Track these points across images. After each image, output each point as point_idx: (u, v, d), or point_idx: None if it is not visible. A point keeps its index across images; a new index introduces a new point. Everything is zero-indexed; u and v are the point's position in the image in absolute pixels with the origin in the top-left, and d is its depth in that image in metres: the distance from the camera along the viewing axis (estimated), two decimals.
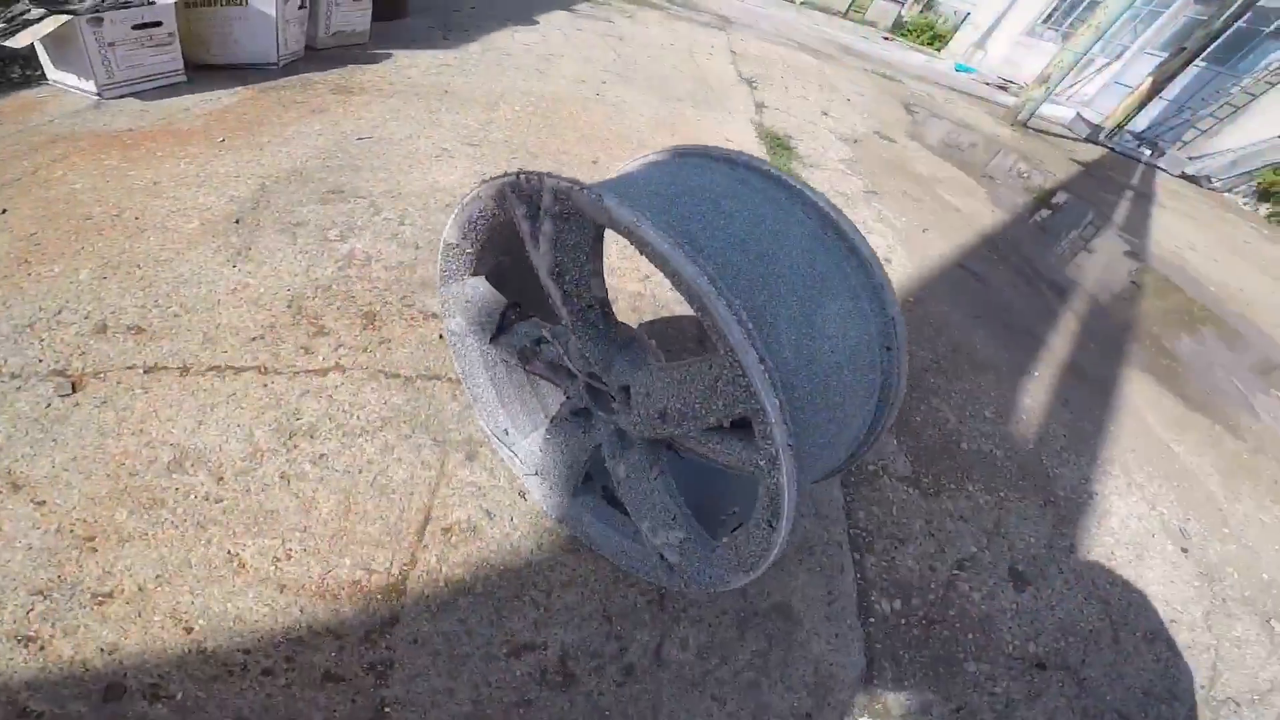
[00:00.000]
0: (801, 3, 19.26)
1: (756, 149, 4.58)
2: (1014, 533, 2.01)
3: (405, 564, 1.49)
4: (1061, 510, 2.14)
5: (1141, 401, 2.94)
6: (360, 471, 1.62)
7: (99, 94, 2.93)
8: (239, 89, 3.30)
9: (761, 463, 1.02)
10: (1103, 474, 2.39)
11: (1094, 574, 1.95)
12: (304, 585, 1.41)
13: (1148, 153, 9.91)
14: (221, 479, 1.55)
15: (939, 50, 18.20)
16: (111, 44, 2.91)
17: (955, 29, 18.19)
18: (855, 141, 5.56)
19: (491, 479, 1.69)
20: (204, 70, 3.37)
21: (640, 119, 4.50)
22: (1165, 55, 10.24)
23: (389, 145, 3.11)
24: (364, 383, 1.81)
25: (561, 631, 1.47)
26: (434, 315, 2.11)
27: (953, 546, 1.94)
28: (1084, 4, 14.38)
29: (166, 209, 2.29)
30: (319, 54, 4.01)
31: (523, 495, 1.68)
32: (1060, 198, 6.05)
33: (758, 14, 13.10)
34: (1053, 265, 4.22)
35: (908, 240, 3.77)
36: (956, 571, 1.85)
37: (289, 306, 1.99)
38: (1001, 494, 2.14)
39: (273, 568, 1.42)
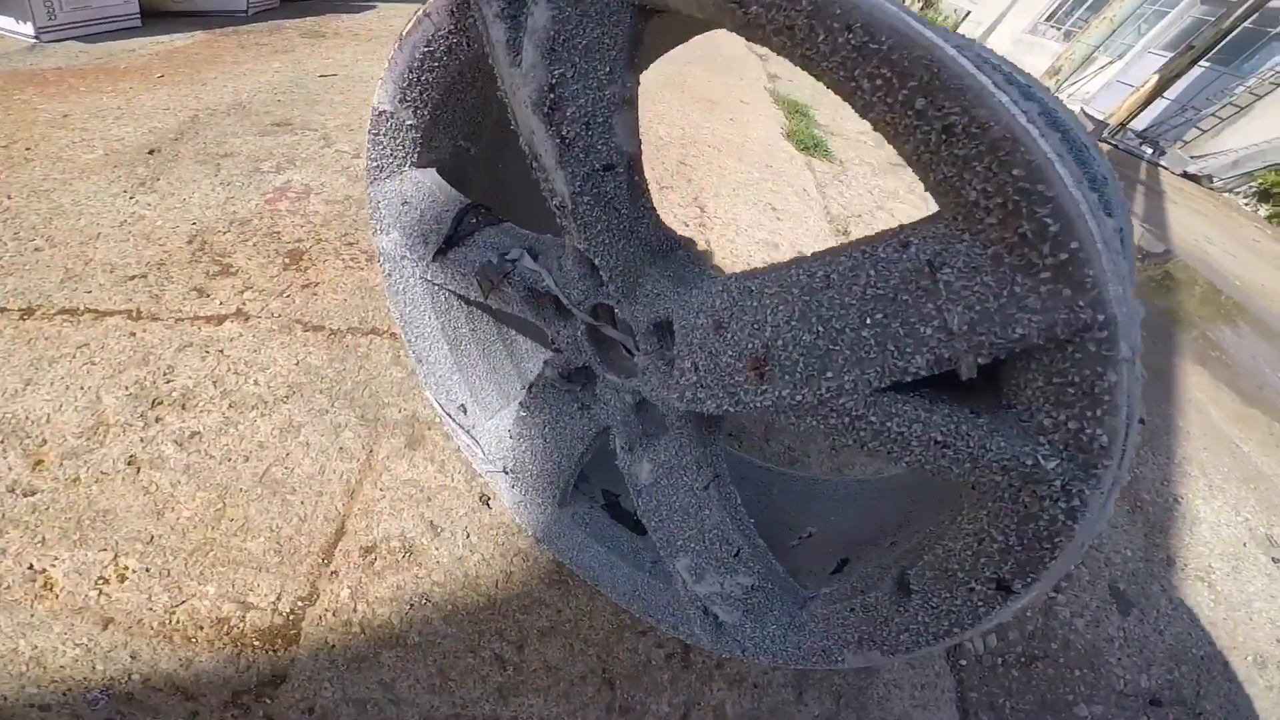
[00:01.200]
0: None
1: (774, 113, 4.24)
2: (1108, 544, 1.73)
3: (301, 598, 0.98)
4: (1150, 517, 1.90)
5: (1201, 395, 2.78)
6: (246, 460, 1.12)
7: (37, 37, 2.54)
8: (198, 33, 2.88)
9: (1022, 451, 0.56)
10: (1182, 474, 2.18)
11: (1196, 592, 1.70)
12: (141, 620, 0.92)
13: (1149, 151, 9.87)
14: (40, 462, 1.06)
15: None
16: None
17: (956, 26, 18.64)
18: None
19: (442, 476, 1.18)
20: (165, 17, 2.95)
21: (649, 77, 4.06)
22: (1169, 55, 10.33)
23: (356, 83, 2.66)
24: (271, 335, 1.30)
25: (539, 703, 0.97)
26: None
27: None
28: (1088, 2, 14.47)
29: (68, 140, 1.82)
30: (297, 4, 3.62)
31: (486, 501, 1.17)
32: None
33: None
34: None
35: None
36: (1053, 594, 1.52)
37: (189, 242, 1.50)
38: None
39: (95, 592, 0.94)
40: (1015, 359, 0.54)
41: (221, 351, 1.26)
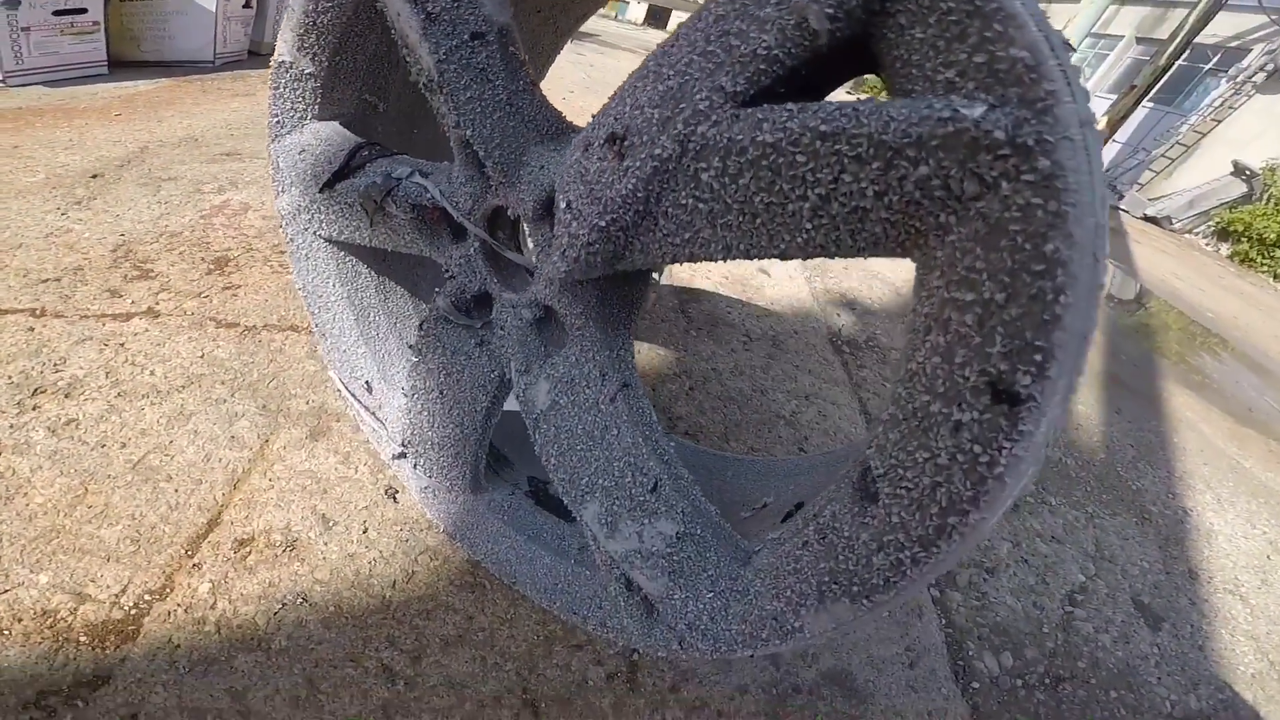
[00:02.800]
0: None
1: None
2: (1121, 556, 1.61)
3: (150, 592, 0.84)
4: (1161, 529, 1.81)
5: (1192, 414, 2.76)
6: (123, 446, 1.00)
7: (2, 80, 2.58)
8: (164, 80, 2.98)
9: (932, 106, 0.42)
10: (1186, 487, 2.12)
11: (1228, 605, 1.58)
12: None
13: (1110, 195, 10.03)
14: None
15: None
16: (26, 29, 2.59)
17: None
18: None
19: (344, 468, 1.06)
20: (133, 66, 3.06)
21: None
22: (1115, 97, 10.75)
23: None
24: (180, 332, 1.22)
25: None
26: None
27: (1055, 575, 1.44)
28: None
29: (11, 167, 1.82)
30: (264, 59, 3.76)
31: (392, 495, 1.04)
32: None
33: None
34: None
35: None
36: (1070, 608, 1.37)
37: (113, 251, 1.45)
38: (1089, 509, 1.76)
39: None
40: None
41: (122, 345, 1.17)
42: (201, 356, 1.17)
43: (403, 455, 0.98)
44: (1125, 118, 10.12)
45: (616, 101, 0.61)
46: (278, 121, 0.99)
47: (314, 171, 0.93)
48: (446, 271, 0.85)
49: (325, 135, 0.96)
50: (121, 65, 2.98)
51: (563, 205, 0.65)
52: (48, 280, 1.32)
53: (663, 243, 0.60)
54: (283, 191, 1.01)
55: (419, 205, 0.82)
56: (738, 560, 0.67)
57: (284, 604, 0.87)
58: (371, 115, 1.05)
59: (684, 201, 0.56)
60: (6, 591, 0.81)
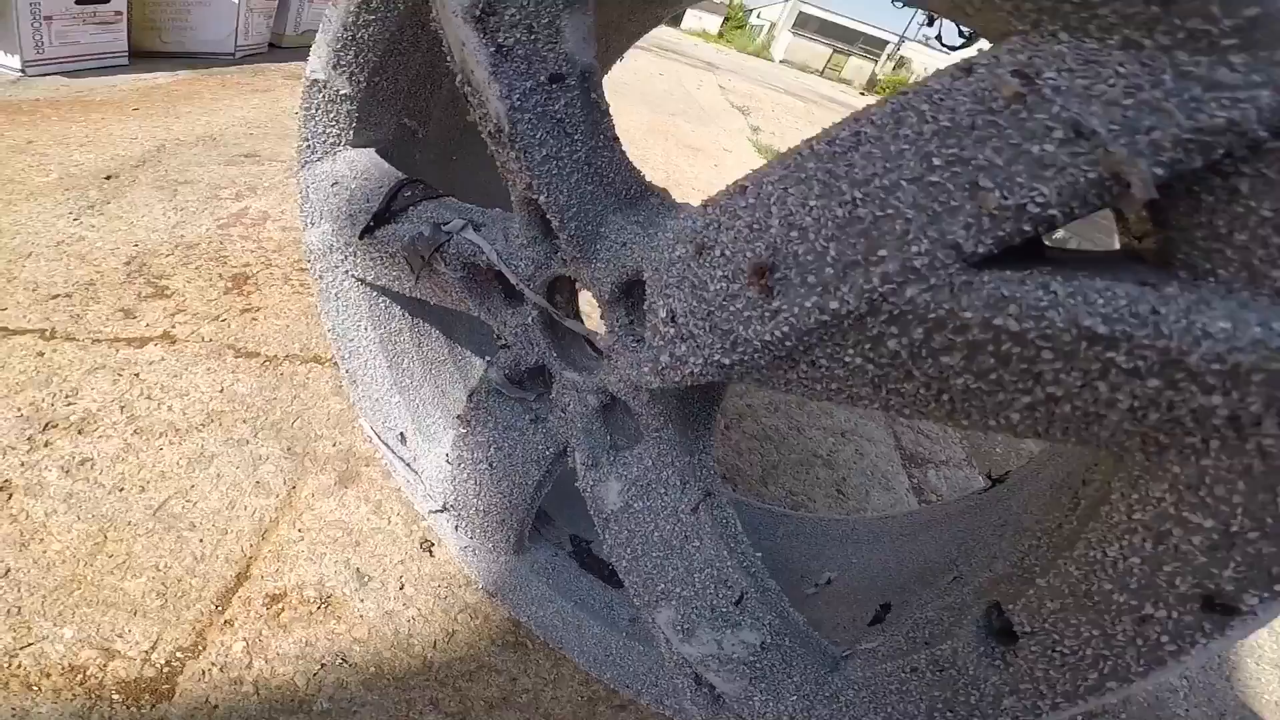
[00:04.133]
0: (781, 60, 22.94)
1: (756, 160, 4.42)
2: None
3: (181, 649, 0.81)
4: None
5: None
6: (142, 490, 0.96)
7: (22, 69, 2.54)
8: (182, 72, 2.94)
9: (1263, 327, 0.35)
10: None
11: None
12: None
13: None
14: None
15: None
16: (49, 18, 2.55)
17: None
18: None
19: (376, 518, 1.02)
20: (153, 56, 3.02)
21: (633, 123, 4.33)
22: None
23: None
24: (198, 360, 1.17)
25: None
26: None
27: None
28: None
29: (24, 164, 1.77)
30: (284, 51, 3.74)
31: (428, 548, 1.00)
32: None
33: (741, 64, 15.20)
34: None
35: None
36: None
37: (127, 263, 1.40)
38: None
39: None
40: (1182, 191, 0.36)
41: (137, 375, 1.12)
42: (221, 391, 1.13)
43: (442, 510, 0.94)
44: None
45: (753, 205, 0.50)
46: (308, 146, 0.93)
47: (349, 210, 0.88)
48: (499, 339, 0.81)
49: (361, 168, 0.90)
50: (141, 55, 2.94)
51: (663, 313, 0.58)
52: (58, 296, 1.27)
53: (793, 384, 0.52)
54: (312, 225, 0.95)
55: (471, 264, 0.77)
56: (825, 665, 0.64)
57: (323, 664, 0.83)
58: (409, 141, 0.99)
59: (848, 360, 0.47)
60: (31, 645, 0.77)
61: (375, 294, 0.99)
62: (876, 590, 0.82)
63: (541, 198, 0.65)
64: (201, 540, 0.92)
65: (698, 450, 0.71)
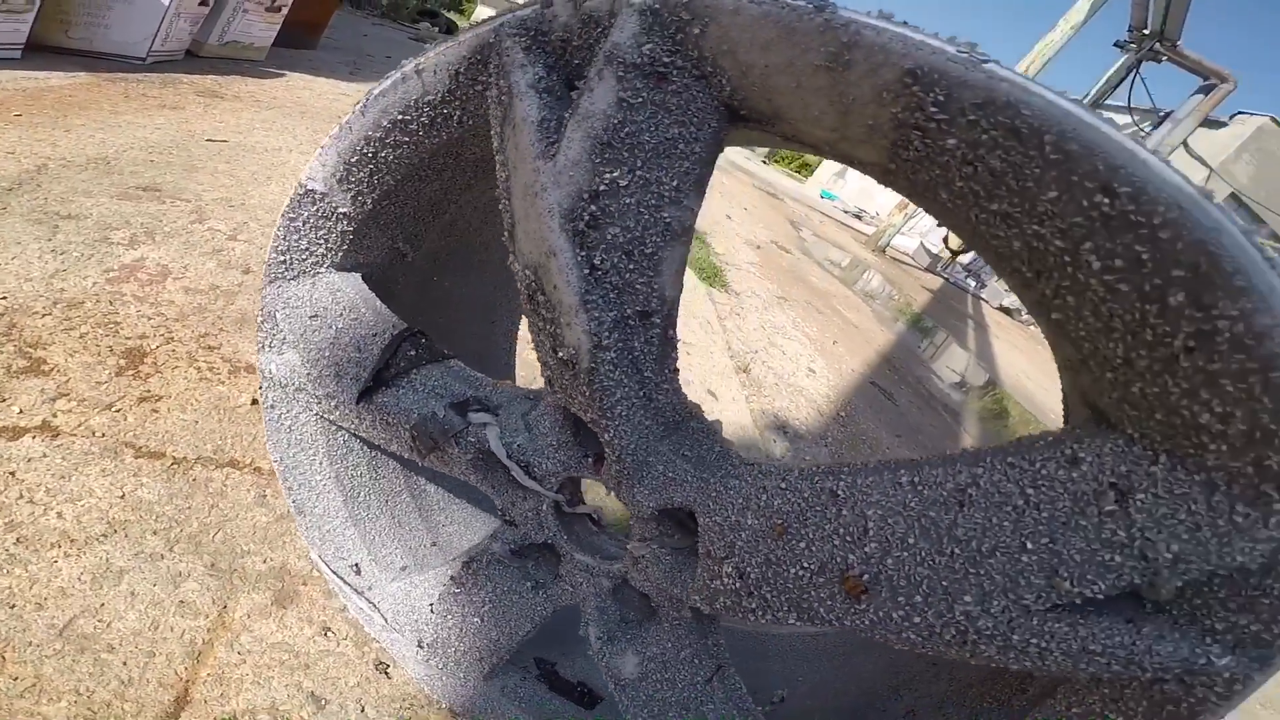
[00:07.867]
0: None
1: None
2: None
3: None
4: None
5: None
6: (38, 608, 0.84)
7: None
8: (81, 74, 2.66)
9: (1193, 654, 0.50)
10: None
11: None
12: None
13: (973, 284, 11.81)
14: None
15: (806, 178, 23.49)
16: None
17: (820, 159, 23.93)
18: (758, 247, 5.95)
19: (325, 640, 0.96)
20: (53, 53, 2.76)
21: None
22: None
23: (248, 153, 2.56)
24: (89, 460, 1.05)
25: None
26: (251, 369, 1.39)
27: None
28: None
29: None
30: (201, 60, 3.54)
31: (384, 669, 0.95)
32: (927, 322, 7.23)
33: None
34: (939, 388, 4.68)
35: (824, 351, 3.74)
36: None
37: None
38: None
39: None
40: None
41: (13, 474, 0.98)
42: (122, 497, 1.02)
43: (420, 646, 0.92)
44: None
45: (849, 519, 0.58)
46: (283, 261, 0.88)
47: (333, 357, 0.85)
48: (504, 515, 0.85)
49: (347, 300, 0.86)
50: (38, 49, 2.66)
51: (729, 569, 0.64)
52: None
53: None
54: (273, 350, 0.90)
55: (485, 451, 0.80)
56: None
57: None
58: (397, 264, 0.97)
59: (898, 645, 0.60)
60: None
61: (334, 429, 0.95)
62: (832, 713, 0.92)
63: (605, 436, 0.68)
64: (125, 663, 0.81)
65: (713, 634, 0.80)
